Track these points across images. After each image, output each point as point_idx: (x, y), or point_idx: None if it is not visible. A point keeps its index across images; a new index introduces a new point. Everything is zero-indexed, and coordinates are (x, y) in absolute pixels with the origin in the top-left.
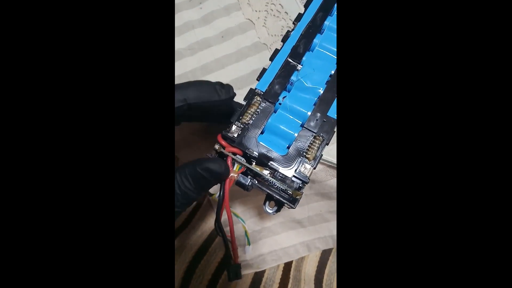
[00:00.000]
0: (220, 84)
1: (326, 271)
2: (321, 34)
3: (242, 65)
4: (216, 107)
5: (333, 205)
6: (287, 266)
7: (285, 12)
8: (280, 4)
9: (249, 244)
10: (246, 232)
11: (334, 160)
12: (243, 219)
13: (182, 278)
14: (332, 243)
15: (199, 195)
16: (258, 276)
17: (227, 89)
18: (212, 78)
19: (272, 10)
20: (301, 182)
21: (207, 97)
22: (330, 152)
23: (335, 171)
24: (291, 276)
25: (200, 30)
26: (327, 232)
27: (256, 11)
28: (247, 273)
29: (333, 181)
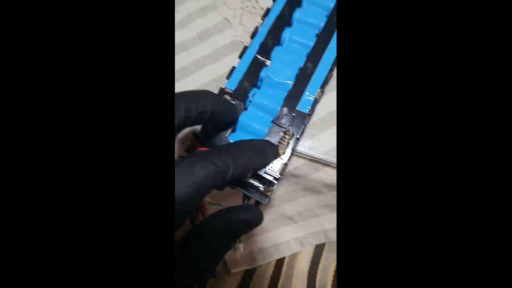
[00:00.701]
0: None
1: (320, 266)
2: (290, 27)
3: (220, 65)
4: (226, 117)
5: (321, 199)
6: (279, 262)
7: (261, 8)
8: (255, 0)
9: (240, 242)
10: None
11: (316, 154)
12: None
13: None
14: (324, 238)
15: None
16: (249, 273)
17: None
18: (191, 79)
19: (247, 6)
20: (272, 177)
21: (225, 108)
22: (311, 146)
23: (317, 164)
24: (282, 272)
25: (178, 33)
26: (318, 227)
27: (231, 9)
28: (238, 270)
29: (316, 175)
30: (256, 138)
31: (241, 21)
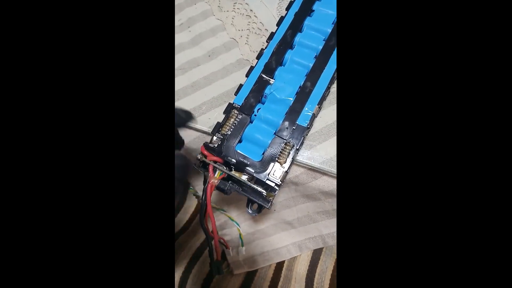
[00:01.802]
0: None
1: (318, 270)
2: (292, 49)
3: (228, 81)
4: None
5: (319, 205)
6: (279, 265)
7: (266, 29)
8: (260, 22)
9: (242, 245)
10: (240, 234)
11: (314, 164)
12: (237, 222)
13: (180, 277)
14: (321, 243)
15: None
16: (250, 275)
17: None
18: (201, 94)
19: (253, 28)
20: (274, 184)
21: None
22: (309, 156)
23: (315, 173)
24: (282, 275)
25: (190, 51)
26: (316, 232)
27: (239, 30)
28: (240, 272)
29: (314, 183)
30: (260, 148)
31: (247, 41)
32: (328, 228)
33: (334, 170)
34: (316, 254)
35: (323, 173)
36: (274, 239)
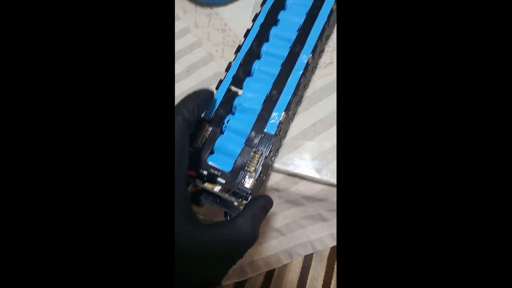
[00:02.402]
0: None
1: (309, 276)
2: (259, 59)
3: None
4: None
5: (304, 210)
6: (269, 274)
7: (240, 41)
8: (235, 35)
9: None
10: None
11: (292, 169)
12: None
13: None
14: (311, 249)
15: None
16: (239, 285)
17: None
18: None
19: (228, 41)
20: (245, 193)
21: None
22: (287, 162)
23: (295, 178)
24: (271, 284)
25: None
26: (305, 238)
27: (215, 44)
28: (228, 283)
29: (295, 188)
30: (232, 158)
31: (223, 54)
32: (316, 233)
33: (310, 174)
34: (307, 261)
35: (302, 177)
36: (263, 248)
